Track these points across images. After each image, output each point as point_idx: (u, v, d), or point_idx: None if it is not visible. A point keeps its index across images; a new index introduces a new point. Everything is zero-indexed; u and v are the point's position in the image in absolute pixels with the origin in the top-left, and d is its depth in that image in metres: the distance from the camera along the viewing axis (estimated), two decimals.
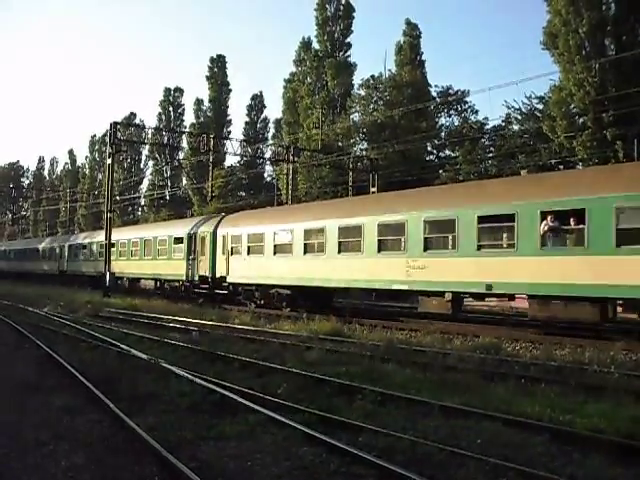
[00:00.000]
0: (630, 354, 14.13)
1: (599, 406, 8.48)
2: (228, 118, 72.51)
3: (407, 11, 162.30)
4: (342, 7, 55.16)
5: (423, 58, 51.70)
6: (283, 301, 26.18)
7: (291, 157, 45.58)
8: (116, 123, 38.63)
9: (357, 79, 55.04)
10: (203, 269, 30.94)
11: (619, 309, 17.98)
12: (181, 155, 74.29)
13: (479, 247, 18.23)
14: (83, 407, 8.78)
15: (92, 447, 6.88)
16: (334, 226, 23.05)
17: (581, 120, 33.19)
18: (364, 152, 49.64)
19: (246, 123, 74.01)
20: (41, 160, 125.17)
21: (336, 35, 55.13)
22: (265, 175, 70.82)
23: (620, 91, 29.82)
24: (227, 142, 49.26)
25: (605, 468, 6.21)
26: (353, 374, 10.84)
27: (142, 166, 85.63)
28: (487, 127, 47.85)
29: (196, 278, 31.64)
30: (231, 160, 69.73)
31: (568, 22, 32.05)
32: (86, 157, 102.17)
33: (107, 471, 6.18)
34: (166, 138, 72.84)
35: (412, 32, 51.44)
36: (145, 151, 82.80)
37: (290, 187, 45.95)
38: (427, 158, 50.94)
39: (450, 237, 19.15)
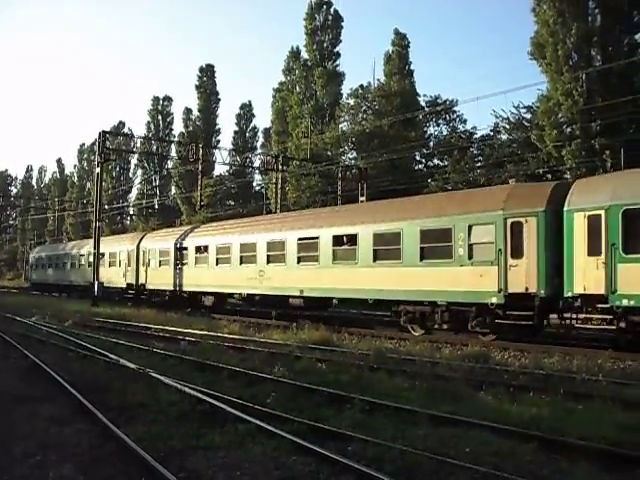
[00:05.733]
0: (618, 362, 14.22)
1: (587, 414, 8.53)
2: (217, 127, 72.61)
3: (396, 21, 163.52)
4: (331, 17, 55.34)
5: (412, 68, 52.02)
6: None
7: (280, 166, 45.63)
8: (105, 132, 38.61)
9: (346, 88, 55.24)
10: None
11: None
12: (170, 164, 74.25)
13: None
14: (71, 417, 8.74)
15: (80, 457, 6.85)
16: None
17: (569, 129, 33.41)
18: (353, 161, 49.73)
19: (235, 132, 74.07)
20: (29, 169, 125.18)
21: (325, 44, 55.25)
22: (254, 184, 70.85)
23: (607, 101, 30.06)
24: (216, 151, 49.41)
25: (592, 476, 6.25)
26: (342, 383, 10.84)
27: (131, 175, 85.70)
28: (475, 136, 48.03)
29: None
30: (220, 169, 69.85)
31: (555, 33, 32.31)
32: (75, 166, 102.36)
33: None
34: (155, 147, 72.72)
35: (401, 42, 51.69)
36: (134, 160, 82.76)
37: (279, 196, 45.96)
38: (416, 167, 51.06)
39: None
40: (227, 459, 6.76)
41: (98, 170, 38.21)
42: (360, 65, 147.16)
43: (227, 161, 50.92)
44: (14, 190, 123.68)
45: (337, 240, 23.12)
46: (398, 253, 20.58)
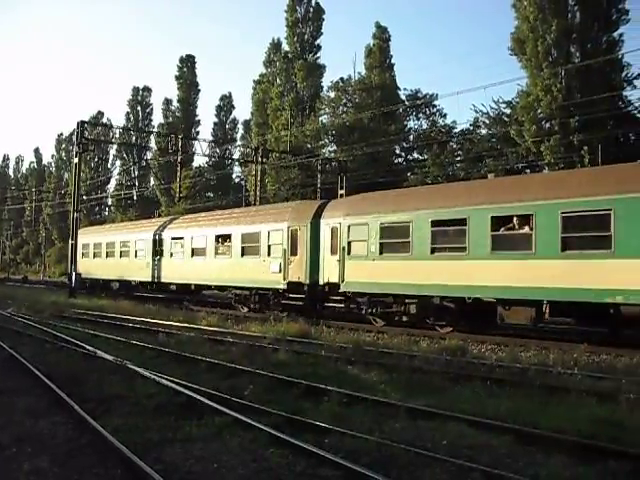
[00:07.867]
0: (593, 356, 14.37)
1: (562, 407, 8.61)
2: (197, 118, 72.53)
3: (377, 15, 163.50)
4: (312, 9, 55.32)
5: (392, 61, 52.14)
6: None
7: (260, 158, 45.52)
8: (83, 122, 38.23)
9: (326, 81, 55.24)
10: None
11: None
12: (149, 155, 73.93)
13: None
14: (47, 409, 8.66)
15: (56, 450, 6.79)
16: None
17: (548, 125, 33.69)
18: (333, 154, 49.76)
19: (215, 124, 73.85)
20: (6, 158, 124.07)
21: (306, 37, 55.23)
22: (233, 176, 70.71)
23: (585, 97, 30.34)
24: (195, 143, 49.17)
25: (568, 468, 6.29)
26: (320, 376, 10.83)
27: (109, 166, 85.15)
28: (455, 131, 48.35)
29: None
30: (199, 161, 69.63)
31: (535, 29, 32.61)
32: (52, 156, 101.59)
33: (71, 474, 6.10)
34: (134, 138, 72.31)
35: (382, 35, 51.82)
36: (113, 151, 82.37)
37: (258, 188, 45.84)
38: (395, 161, 51.26)
39: None
40: (204, 451, 6.74)
41: (76, 160, 37.79)
42: (341, 58, 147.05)
43: (207, 152, 50.97)
44: None
45: None
46: None
